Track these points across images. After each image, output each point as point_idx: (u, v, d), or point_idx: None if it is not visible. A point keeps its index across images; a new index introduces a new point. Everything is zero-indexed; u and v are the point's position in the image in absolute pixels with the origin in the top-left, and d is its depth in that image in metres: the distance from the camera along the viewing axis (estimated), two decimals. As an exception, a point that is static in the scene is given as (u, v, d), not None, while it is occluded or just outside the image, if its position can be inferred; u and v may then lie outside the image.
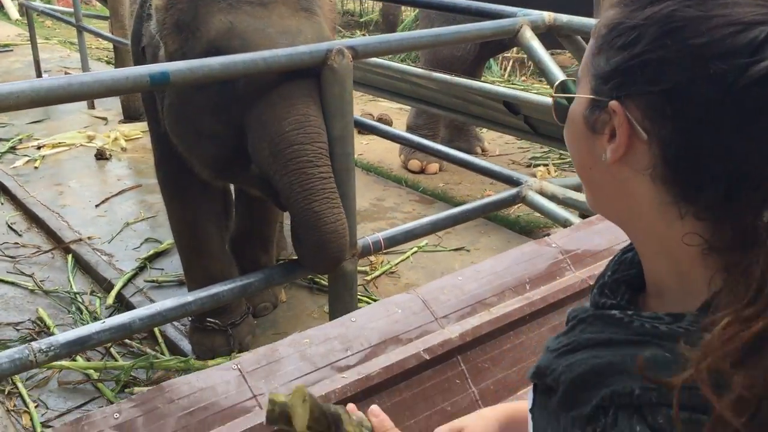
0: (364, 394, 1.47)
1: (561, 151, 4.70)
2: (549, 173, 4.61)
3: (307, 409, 0.82)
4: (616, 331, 0.67)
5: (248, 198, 2.92)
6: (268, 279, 2.07)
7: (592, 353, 0.67)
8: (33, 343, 1.70)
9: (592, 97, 0.68)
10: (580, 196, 2.67)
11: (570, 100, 0.74)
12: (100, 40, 7.67)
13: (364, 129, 3.93)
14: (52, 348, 1.71)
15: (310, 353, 1.50)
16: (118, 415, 1.29)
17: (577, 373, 0.67)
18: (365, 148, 5.18)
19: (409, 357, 1.54)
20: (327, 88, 1.99)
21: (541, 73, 2.46)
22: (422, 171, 4.79)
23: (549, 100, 3.38)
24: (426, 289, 1.71)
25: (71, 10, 6.83)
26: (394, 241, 2.31)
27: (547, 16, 2.49)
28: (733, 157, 0.60)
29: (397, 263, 3.51)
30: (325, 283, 3.26)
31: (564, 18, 2.49)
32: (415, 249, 3.60)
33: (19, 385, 2.63)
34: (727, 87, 0.59)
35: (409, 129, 4.86)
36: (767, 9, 0.60)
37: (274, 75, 1.96)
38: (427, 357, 1.56)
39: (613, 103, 0.65)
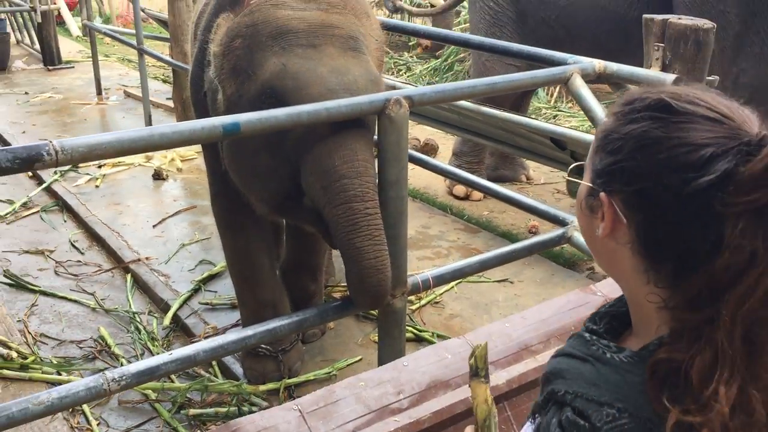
0: (416, 437, 1.56)
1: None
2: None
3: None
4: (580, 348, 0.88)
5: (298, 230, 3.04)
6: (322, 315, 2.18)
7: (561, 359, 0.89)
8: (107, 372, 1.82)
9: (589, 185, 0.87)
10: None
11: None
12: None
13: (411, 161, 4.02)
14: (124, 377, 1.83)
15: (365, 396, 1.60)
16: (190, 450, 1.40)
17: (546, 371, 0.90)
18: (411, 173, 5.26)
19: (458, 402, 1.62)
20: (384, 136, 2.09)
21: (590, 120, 2.52)
22: (467, 197, 4.87)
23: (589, 137, 3.44)
24: (475, 335, 1.79)
25: (130, 30, 7.13)
26: (442, 280, 2.40)
27: (598, 64, 2.55)
28: (680, 245, 0.77)
29: (442, 293, 3.59)
30: (372, 312, 3.37)
31: (614, 66, 2.55)
32: (459, 280, 3.67)
33: (86, 411, 2.78)
34: (678, 193, 0.75)
35: (455, 155, 4.95)
36: (717, 133, 0.74)
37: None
38: (475, 403, 1.64)
39: (602, 195, 0.84)
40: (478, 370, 1.03)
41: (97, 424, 2.68)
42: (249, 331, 2.04)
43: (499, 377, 1.70)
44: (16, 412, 1.73)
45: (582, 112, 5.57)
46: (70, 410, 2.75)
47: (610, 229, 0.84)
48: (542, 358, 1.78)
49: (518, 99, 4.60)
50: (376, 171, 2.17)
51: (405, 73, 8.39)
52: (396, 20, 6.93)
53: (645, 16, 2.49)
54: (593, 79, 2.57)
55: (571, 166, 0.97)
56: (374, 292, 2.08)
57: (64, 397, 1.77)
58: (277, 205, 2.39)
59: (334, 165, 2.07)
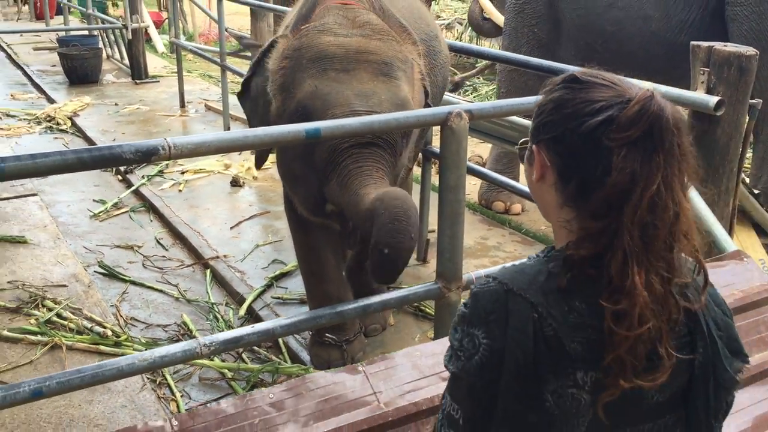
0: (462, 401, 1.80)
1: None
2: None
3: None
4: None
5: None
6: (384, 302, 2.44)
7: None
8: (199, 338, 2.13)
9: (527, 143, 1.13)
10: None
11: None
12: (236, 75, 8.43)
13: (473, 174, 4.26)
14: (214, 344, 2.13)
15: (420, 364, 1.85)
16: (272, 395, 1.69)
17: None
18: (472, 188, 5.51)
19: (501, 375, 1.86)
20: (446, 145, 2.35)
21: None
22: (507, 211, 5.08)
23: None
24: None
25: (214, 48, 7.61)
26: (494, 278, 2.63)
27: (646, 86, 2.76)
28: (582, 173, 1.03)
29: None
30: (430, 311, 3.62)
31: (662, 89, 2.74)
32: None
33: (168, 377, 3.12)
34: (579, 134, 1.02)
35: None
36: (607, 93, 1.01)
37: None
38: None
39: (533, 146, 1.10)
40: None
41: (181, 396, 3.00)
42: (320, 312, 2.32)
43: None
44: (125, 366, 2.04)
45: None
46: (157, 382, 3.09)
47: (540, 174, 1.09)
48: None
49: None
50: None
51: (471, 93, 8.64)
52: (461, 42, 7.19)
53: (692, 42, 2.69)
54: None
55: (520, 142, 1.22)
56: (389, 268, 2.27)
57: (164, 356, 2.08)
58: (312, 207, 2.68)
59: (348, 165, 2.34)
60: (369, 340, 3.41)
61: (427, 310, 3.64)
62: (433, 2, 9.42)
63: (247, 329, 2.20)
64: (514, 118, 4.14)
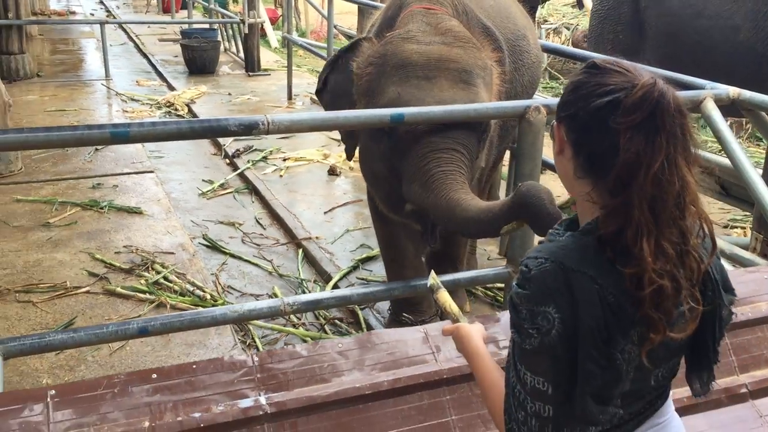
0: (514, 368, 1.95)
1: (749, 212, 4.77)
2: (744, 235, 4.71)
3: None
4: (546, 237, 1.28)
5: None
6: (455, 281, 2.62)
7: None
8: (284, 298, 2.38)
9: (553, 121, 1.25)
10: (746, 254, 2.92)
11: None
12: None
13: (546, 167, 4.36)
14: (296, 303, 2.38)
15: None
16: (341, 345, 1.90)
17: None
18: (561, 190, 5.57)
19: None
20: (523, 137, 2.51)
21: (718, 140, 2.77)
22: None
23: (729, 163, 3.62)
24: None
25: (323, 44, 7.97)
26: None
27: (732, 90, 2.80)
28: (594, 151, 1.14)
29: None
30: (502, 300, 3.75)
31: (747, 94, 2.78)
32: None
33: (257, 340, 3.40)
34: (588, 112, 1.14)
35: None
36: (620, 79, 1.13)
37: (425, 129, 2.46)
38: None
39: (554, 123, 1.22)
40: (439, 285, 1.53)
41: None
42: (395, 284, 2.53)
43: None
44: (218, 315, 2.32)
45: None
46: (247, 344, 3.37)
47: (560, 148, 1.21)
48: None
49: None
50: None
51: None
52: (555, 43, 7.21)
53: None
54: (727, 104, 2.82)
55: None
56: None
57: (252, 310, 2.35)
58: (391, 205, 2.83)
59: (431, 168, 2.44)
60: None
61: (501, 299, 3.76)
62: (539, 6, 9.45)
63: (327, 293, 2.45)
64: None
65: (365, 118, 2.32)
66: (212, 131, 2.17)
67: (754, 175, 2.65)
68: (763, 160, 3.31)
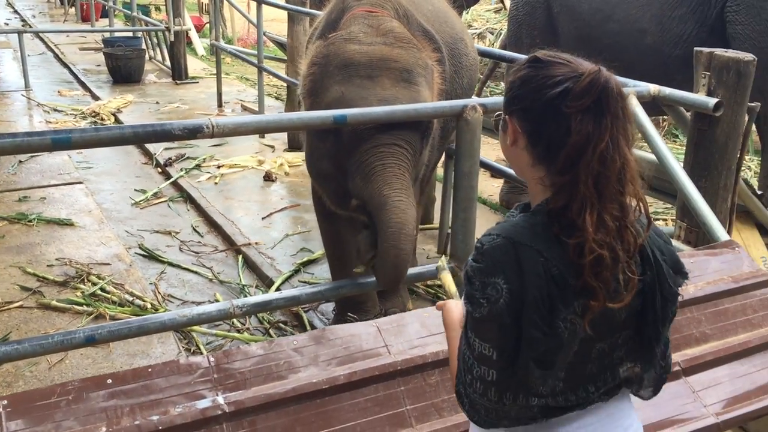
0: (464, 357, 2.01)
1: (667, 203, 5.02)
2: (667, 225, 4.95)
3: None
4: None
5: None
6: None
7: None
8: (233, 300, 2.38)
9: (499, 117, 1.35)
10: (673, 241, 3.08)
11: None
12: (270, 77, 8.75)
13: (491, 170, 4.48)
14: (246, 306, 2.39)
15: (428, 323, 2.08)
16: (296, 342, 1.93)
17: None
18: (495, 190, 5.73)
19: (501, 336, 2.07)
20: (461, 135, 2.58)
21: (643, 136, 2.92)
22: None
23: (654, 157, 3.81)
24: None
25: (252, 51, 7.94)
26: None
27: (653, 88, 2.95)
28: (548, 137, 1.24)
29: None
30: (446, 297, 3.83)
31: (667, 90, 2.95)
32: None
33: (201, 347, 3.38)
34: (543, 103, 1.23)
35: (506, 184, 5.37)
36: (564, 70, 1.23)
37: (371, 128, 2.51)
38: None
39: (507, 117, 1.31)
40: (445, 267, 1.70)
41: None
42: (343, 282, 2.57)
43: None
44: (167, 320, 2.30)
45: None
46: (192, 351, 3.35)
47: (513, 139, 1.30)
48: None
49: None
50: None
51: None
52: (486, 47, 7.41)
53: (695, 48, 2.89)
54: (648, 100, 2.98)
55: (496, 113, 1.42)
56: (392, 271, 2.47)
57: (202, 314, 2.34)
58: (337, 202, 2.88)
59: (372, 162, 2.52)
60: (388, 322, 3.63)
61: (443, 297, 3.85)
62: (464, 12, 9.65)
63: (275, 294, 2.46)
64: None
65: (309, 119, 2.35)
66: (156, 135, 2.16)
67: (677, 166, 2.81)
68: (679, 155, 3.50)
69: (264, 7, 6.80)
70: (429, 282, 3.92)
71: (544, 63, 1.28)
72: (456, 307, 1.47)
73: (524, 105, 1.28)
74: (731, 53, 2.77)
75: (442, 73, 2.85)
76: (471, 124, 2.56)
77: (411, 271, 2.68)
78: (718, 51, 2.79)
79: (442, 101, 2.60)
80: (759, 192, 3.45)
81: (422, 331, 2.05)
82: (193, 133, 2.18)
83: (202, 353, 3.27)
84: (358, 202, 2.62)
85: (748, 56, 2.75)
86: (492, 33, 10.85)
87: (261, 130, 2.30)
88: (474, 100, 2.60)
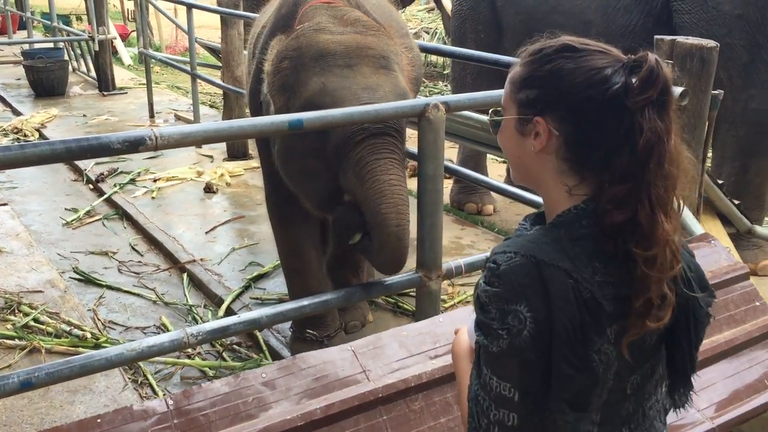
0: (449, 377, 1.85)
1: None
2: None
3: None
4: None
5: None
6: (368, 291, 2.49)
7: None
8: (187, 328, 2.15)
9: (518, 117, 1.15)
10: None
11: (498, 121, 1.21)
12: (203, 85, 8.43)
13: (450, 172, 4.34)
14: (201, 333, 2.16)
15: (407, 343, 1.90)
16: (265, 375, 1.72)
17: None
18: (446, 191, 5.60)
19: (485, 352, 1.92)
20: (423, 135, 2.42)
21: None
22: (479, 213, 5.17)
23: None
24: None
25: (184, 58, 7.62)
26: (473, 267, 2.69)
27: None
28: (604, 139, 1.08)
29: (471, 294, 3.86)
30: (408, 307, 3.68)
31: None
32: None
33: (149, 377, 3.12)
34: (599, 101, 1.07)
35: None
36: (607, 59, 1.10)
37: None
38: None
39: (537, 118, 1.12)
40: None
41: (163, 395, 3.01)
42: (305, 302, 2.36)
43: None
44: (113, 356, 2.06)
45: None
46: (139, 382, 3.09)
47: (544, 144, 1.12)
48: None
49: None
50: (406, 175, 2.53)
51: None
52: (432, 43, 7.30)
53: (656, 36, 2.80)
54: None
55: (491, 110, 1.24)
56: (394, 257, 2.41)
57: (152, 346, 2.10)
58: (320, 202, 2.73)
59: (363, 155, 2.42)
60: (349, 337, 3.44)
61: (405, 306, 3.69)
62: (400, 12, 9.54)
63: (233, 319, 2.24)
64: (485, 118, 4.23)
65: (263, 126, 2.14)
66: (92, 150, 1.92)
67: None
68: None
69: (193, 12, 6.51)
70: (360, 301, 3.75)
71: (580, 51, 1.11)
72: (465, 335, 1.30)
73: (568, 103, 1.10)
74: (693, 40, 2.70)
75: (411, 60, 2.74)
76: (434, 123, 2.40)
77: (380, 284, 2.50)
78: (680, 38, 2.71)
79: (402, 101, 2.43)
80: (720, 181, 3.41)
81: (401, 352, 1.88)
82: (135, 145, 1.94)
83: (153, 388, 3.02)
84: (350, 198, 2.51)
85: (711, 43, 2.67)
86: (427, 32, 10.80)
87: (210, 139, 2.08)
88: (436, 98, 2.44)
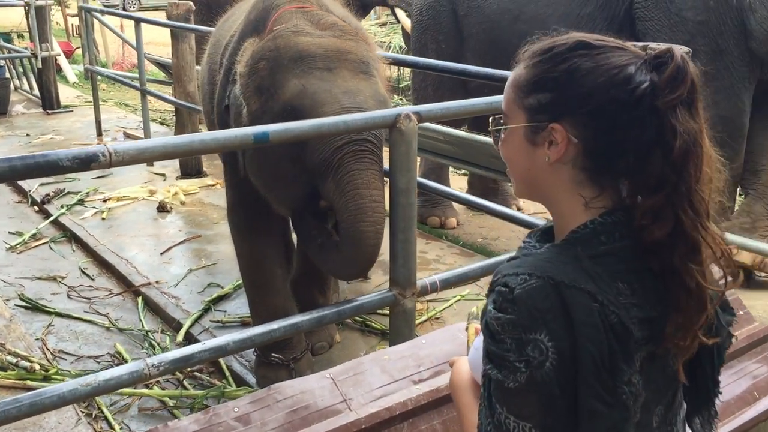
0: (436, 403, 1.73)
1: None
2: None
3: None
4: (515, 254, 1.07)
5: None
6: (340, 313, 2.35)
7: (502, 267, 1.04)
8: (147, 358, 1.99)
9: (528, 125, 1.03)
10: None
11: (501, 130, 1.09)
12: (153, 102, 8.20)
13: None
14: (163, 363, 2.00)
15: (389, 368, 1.78)
16: (237, 409, 1.58)
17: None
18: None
19: (472, 374, 1.80)
20: (395, 147, 2.31)
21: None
22: (442, 226, 5.09)
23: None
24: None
25: (133, 74, 7.39)
26: (448, 283, 2.58)
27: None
28: (630, 144, 0.98)
29: (442, 310, 3.77)
30: (377, 325, 3.55)
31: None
32: (458, 297, 3.86)
33: (104, 409, 2.92)
34: (624, 102, 0.97)
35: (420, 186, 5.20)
36: (627, 56, 1.00)
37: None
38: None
39: (553, 125, 1.01)
40: (477, 317, 1.29)
41: (120, 429, 2.81)
42: (274, 325, 2.21)
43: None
44: (66, 392, 1.88)
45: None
46: (93, 416, 2.88)
47: (560, 153, 1.01)
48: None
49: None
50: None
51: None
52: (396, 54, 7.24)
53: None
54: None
55: (491, 118, 1.13)
56: (361, 270, 2.44)
57: (109, 379, 1.93)
58: (296, 207, 2.63)
59: (345, 162, 2.33)
60: (316, 359, 3.31)
61: (374, 325, 3.57)
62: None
63: (198, 346, 2.08)
64: (449, 130, 4.16)
65: (225, 139, 2.00)
66: (39, 169, 1.75)
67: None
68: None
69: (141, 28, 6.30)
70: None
71: (597, 48, 1.01)
72: (466, 365, 1.18)
73: (589, 106, 0.99)
74: (665, 46, 2.65)
75: (384, 67, 2.66)
76: (406, 134, 2.29)
77: (352, 303, 2.37)
78: (652, 44, 2.67)
79: (373, 111, 2.32)
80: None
81: (383, 378, 1.75)
82: (86, 163, 1.79)
83: (109, 422, 2.83)
84: (327, 204, 2.43)
85: (684, 48, 2.63)
86: (380, 46, 10.74)
87: (169, 154, 1.94)
88: (407, 108, 2.33)
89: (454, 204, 5.10)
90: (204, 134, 1.99)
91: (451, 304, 3.81)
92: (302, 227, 2.67)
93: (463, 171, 5.69)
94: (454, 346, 1.86)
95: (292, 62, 2.44)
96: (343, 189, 2.32)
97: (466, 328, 1.31)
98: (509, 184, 5.69)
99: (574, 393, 0.94)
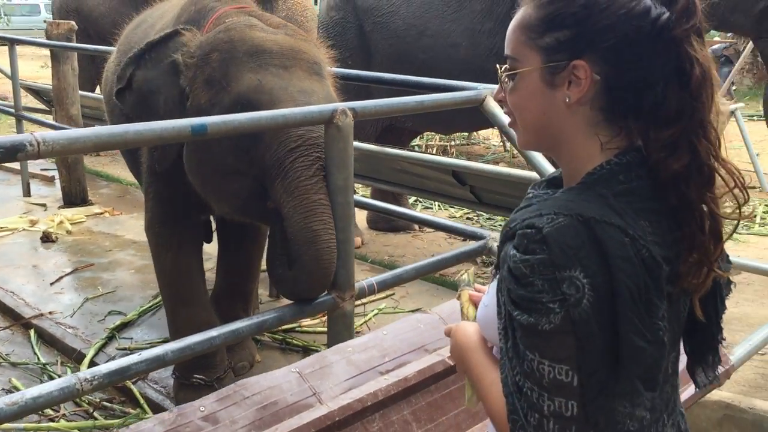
0: (405, 393, 1.67)
1: (505, 218, 5.08)
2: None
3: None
4: (525, 202, 1.07)
5: (233, 256, 3.11)
6: (281, 317, 2.24)
7: (512, 216, 1.02)
8: (79, 373, 1.80)
9: (546, 65, 1.00)
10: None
11: (511, 76, 1.05)
12: (30, 128, 7.67)
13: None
14: (96, 377, 1.81)
15: (354, 359, 1.70)
16: (203, 408, 1.45)
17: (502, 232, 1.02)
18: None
19: (438, 362, 1.76)
20: (332, 143, 2.26)
21: (505, 135, 2.82)
22: None
23: (494, 168, 3.77)
24: (441, 308, 1.95)
25: (8, 103, 6.90)
26: (385, 285, 2.54)
27: (504, 89, 2.88)
28: (651, 77, 0.97)
29: (361, 324, 3.69)
30: (297, 342, 3.43)
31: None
32: (376, 311, 3.81)
33: (7, 447, 2.63)
34: (648, 32, 0.95)
35: None
36: None
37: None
38: (452, 363, 1.78)
39: (576, 62, 0.97)
40: (469, 283, 1.27)
41: (27, 467, 2.54)
42: (213, 332, 2.07)
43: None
44: (-12, 414, 1.67)
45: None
46: (-5, 456, 2.59)
47: (581, 93, 0.98)
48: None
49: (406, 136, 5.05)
50: None
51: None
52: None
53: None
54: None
55: (502, 67, 1.08)
56: (325, 273, 2.23)
57: (38, 397, 1.74)
58: (239, 204, 2.51)
59: (295, 166, 2.25)
60: (236, 379, 3.14)
61: (294, 342, 3.44)
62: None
63: (135, 357, 1.92)
64: (356, 144, 4.14)
65: (162, 130, 1.87)
66: (-44, 159, 1.57)
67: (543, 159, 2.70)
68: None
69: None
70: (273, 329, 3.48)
71: None
72: (471, 327, 1.14)
73: (611, 40, 0.96)
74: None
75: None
76: (343, 130, 2.25)
77: (292, 309, 2.27)
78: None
79: (309, 107, 2.26)
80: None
81: (350, 370, 1.67)
82: (12, 152, 1.62)
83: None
84: (273, 205, 2.32)
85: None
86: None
87: (102, 145, 1.79)
88: (343, 104, 2.29)
89: (357, 224, 5.07)
90: (139, 125, 1.85)
91: (370, 318, 3.75)
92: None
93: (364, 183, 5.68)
94: (417, 336, 1.82)
95: (247, 56, 2.37)
96: (293, 191, 2.24)
97: (459, 296, 1.26)
98: (411, 198, 5.76)
99: (609, 331, 0.92)
